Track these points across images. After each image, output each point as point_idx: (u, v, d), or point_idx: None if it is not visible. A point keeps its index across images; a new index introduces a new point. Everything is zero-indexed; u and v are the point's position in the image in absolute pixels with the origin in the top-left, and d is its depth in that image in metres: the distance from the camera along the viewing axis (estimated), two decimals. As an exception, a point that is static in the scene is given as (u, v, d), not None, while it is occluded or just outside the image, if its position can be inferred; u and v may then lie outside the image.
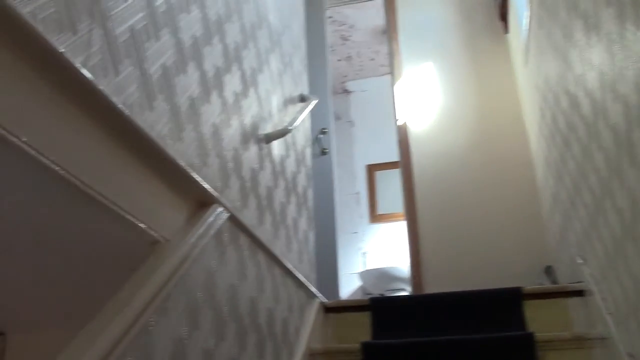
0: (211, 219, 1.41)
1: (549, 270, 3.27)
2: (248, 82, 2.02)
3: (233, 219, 1.60)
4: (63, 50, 0.87)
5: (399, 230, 5.62)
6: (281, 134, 2.22)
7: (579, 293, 2.26)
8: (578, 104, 2.13)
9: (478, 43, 4.04)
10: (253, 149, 1.99)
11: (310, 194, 2.71)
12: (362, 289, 5.61)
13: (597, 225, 2.03)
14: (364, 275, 5.41)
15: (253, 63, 2.11)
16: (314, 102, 2.71)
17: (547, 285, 3.16)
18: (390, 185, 5.87)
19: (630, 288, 1.69)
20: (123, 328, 0.98)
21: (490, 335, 2.08)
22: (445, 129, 3.87)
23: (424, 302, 2.41)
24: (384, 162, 6.01)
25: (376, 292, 5.50)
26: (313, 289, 2.43)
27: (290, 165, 2.45)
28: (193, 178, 1.32)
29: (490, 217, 3.56)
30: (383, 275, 5.30)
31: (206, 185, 1.40)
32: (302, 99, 2.78)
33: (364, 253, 5.80)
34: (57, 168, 0.89)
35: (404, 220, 3.84)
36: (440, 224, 3.63)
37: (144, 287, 1.08)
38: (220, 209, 1.48)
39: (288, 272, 2.13)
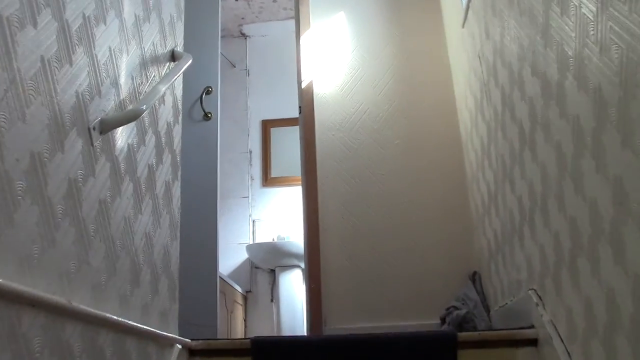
0: None
1: (475, 277, 2.79)
2: (74, 39, 1.27)
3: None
4: None
5: (294, 196, 5.02)
6: (128, 117, 1.49)
7: (532, 342, 1.74)
8: (550, 86, 1.56)
9: (399, -6, 3.40)
10: (76, 147, 1.27)
11: (176, 190, 2.00)
12: (250, 262, 5.00)
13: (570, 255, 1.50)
14: (253, 248, 4.79)
15: (86, 9, 1.35)
16: (187, 62, 1.97)
17: (487, 332, 2.69)
18: (287, 146, 5.21)
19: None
20: None
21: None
22: (358, 94, 3.23)
23: (324, 346, 1.81)
24: (282, 117, 5.33)
25: (266, 267, 4.93)
26: (171, 334, 1.76)
27: (146, 157, 1.73)
28: None
29: (411, 207, 3.01)
30: (274, 250, 4.70)
31: None
32: (173, 57, 2.04)
33: (254, 221, 5.17)
34: None
35: (300, 186, 3.21)
36: (347, 211, 3.03)
37: None
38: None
39: (128, 331, 1.45)
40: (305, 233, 3.01)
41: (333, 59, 3.32)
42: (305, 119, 3.14)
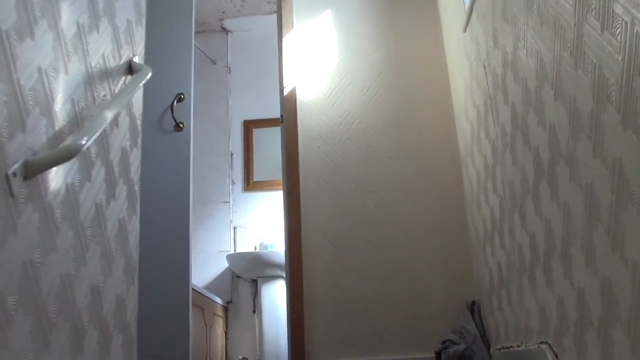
0: None
1: (473, 308, 2.53)
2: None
3: None
4: None
5: (278, 201, 4.72)
6: (61, 157, 1.20)
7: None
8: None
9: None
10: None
11: (134, 226, 1.71)
12: (230, 271, 4.72)
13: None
14: (234, 258, 4.50)
15: (2, 23, 1.06)
16: (146, 76, 1.68)
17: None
18: (271, 147, 4.91)
19: None
20: None
21: None
22: (346, 102, 2.94)
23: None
24: (265, 118, 5.03)
25: (247, 277, 4.65)
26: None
27: (93, 195, 1.44)
28: None
29: (403, 227, 2.74)
30: (256, 261, 4.43)
31: None
32: (131, 69, 1.74)
33: (236, 227, 4.88)
34: None
35: (283, 193, 2.93)
36: (332, 230, 2.75)
37: None
38: None
39: None
40: (286, 257, 2.73)
41: (318, 63, 3.03)
42: (288, 129, 2.85)
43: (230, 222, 4.90)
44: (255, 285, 4.65)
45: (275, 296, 4.40)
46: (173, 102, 2.74)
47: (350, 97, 2.95)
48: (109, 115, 1.37)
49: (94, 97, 1.47)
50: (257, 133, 5.09)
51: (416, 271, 2.68)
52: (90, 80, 1.46)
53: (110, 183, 1.55)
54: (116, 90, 1.61)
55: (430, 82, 2.93)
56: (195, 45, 5.05)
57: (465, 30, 2.38)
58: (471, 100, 2.40)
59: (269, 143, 4.98)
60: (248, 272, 4.55)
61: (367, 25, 3.07)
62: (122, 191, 1.62)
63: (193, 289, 2.78)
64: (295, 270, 2.66)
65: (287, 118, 2.88)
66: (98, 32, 1.52)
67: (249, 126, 5.11)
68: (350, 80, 2.98)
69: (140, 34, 1.86)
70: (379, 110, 2.92)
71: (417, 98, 2.93)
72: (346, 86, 2.97)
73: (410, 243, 2.71)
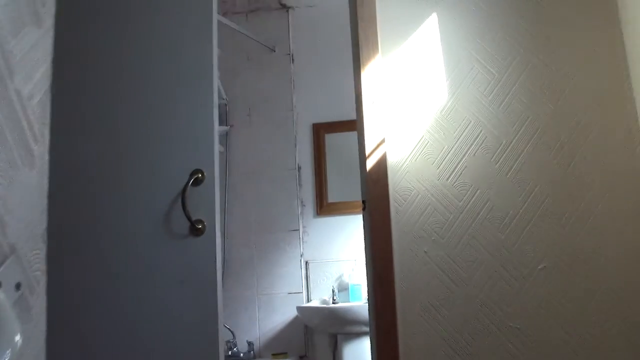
0: None
1: None
2: None
3: None
4: None
5: (359, 226, 3.65)
6: None
7: None
8: None
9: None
10: None
11: None
12: (303, 322, 3.76)
13: None
14: (305, 312, 3.54)
15: None
16: None
17: None
18: (348, 157, 3.82)
19: None
20: None
21: None
22: (470, 174, 1.82)
23: None
24: (340, 120, 3.93)
25: (324, 331, 3.69)
26: None
27: None
28: None
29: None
30: (333, 317, 3.43)
31: None
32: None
33: (308, 262, 3.88)
34: None
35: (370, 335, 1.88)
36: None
37: None
38: None
39: None
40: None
41: (419, 102, 1.89)
42: (374, 221, 1.76)
43: (301, 255, 3.90)
44: (335, 339, 3.69)
45: (361, 353, 3.45)
46: (185, 188, 1.70)
47: (476, 164, 1.81)
48: None
49: None
50: (331, 140, 4.00)
51: None
52: None
53: None
54: None
55: (618, 146, 1.74)
56: (244, 34, 3.98)
57: None
58: None
59: (346, 151, 3.89)
60: (325, 328, 3.59)
61: (503, 39, 1.88)
62: None
63: None
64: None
65: (372, 202, 1.78)
66: None
67: (320, 131, 4.02)
68: (477, 134, 1.83)
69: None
70: (526, 188, 1.77)
71: (592, 171, 1.75)
72: (470, 143, 1.83)
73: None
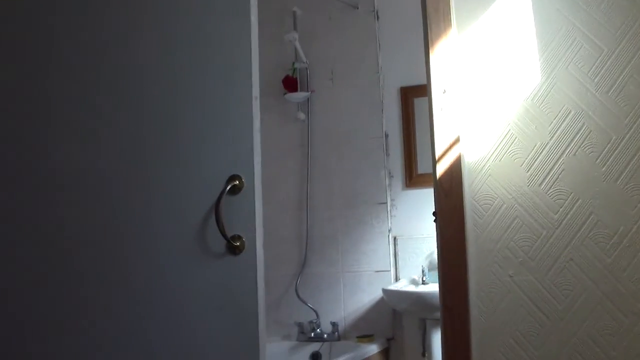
0: None
1: None
2: None
3: None
4: None
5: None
6: None
7: None
8: None
9: None
10: None
11: None
12: (389, 305, 3.53)
13: None
14: (392, 296, 3.30)
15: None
16: None
17: None
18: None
19: None
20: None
21: None
22: (569, 180, 1.46)
23: None
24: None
25: (412, 315, 3.46)
26: None
27: None
28: None
29: None
30: (421, 302, 3.19)
31: None
32: None
33: (396, 238, 3.62)
34: None
35: None
36: None
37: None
38: None
39: None
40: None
41: (505, 88, 1.53)
42: (445, 242, 1.45)
43: (389, 231, 3.64)
44: (424, 323, 3.45)
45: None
46: (220, 198, 1.47)
47: (577, 167, 1.45)
48: None
49: None
50: (421, 104, 3.65)
51: None
52: None
53: None
54: None
55: None
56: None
57: None
58: None
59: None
60: (412, 313, 3.36)
61: (614, 3, 1.46)
62: None
63: None
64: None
65: (444, 217, 1.47)
66: None
67: (408, 95, 3.68)
68: (578, 128, 1.46)
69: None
70: (634, 195, 1.39)
71: None
72: (569, 140, 1.46)
73: None
